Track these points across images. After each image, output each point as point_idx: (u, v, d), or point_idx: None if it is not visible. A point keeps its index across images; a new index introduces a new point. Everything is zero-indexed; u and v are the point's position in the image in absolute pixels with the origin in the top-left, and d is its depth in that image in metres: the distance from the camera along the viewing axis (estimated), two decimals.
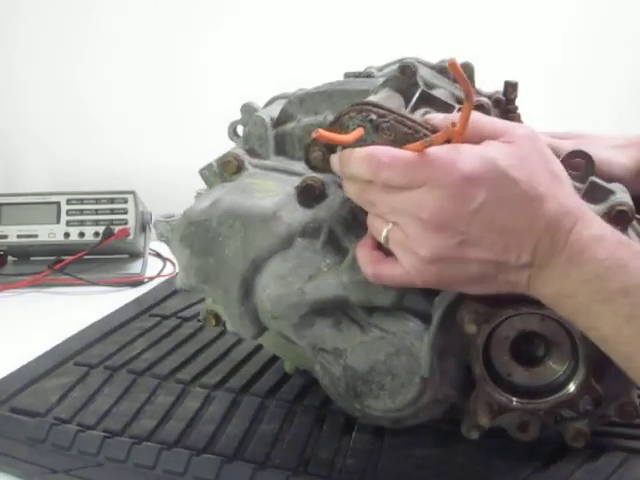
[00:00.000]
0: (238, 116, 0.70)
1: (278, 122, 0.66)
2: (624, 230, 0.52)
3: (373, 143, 0.50)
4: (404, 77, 0.62)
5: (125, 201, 1.14)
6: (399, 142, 0.50)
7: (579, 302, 0.47)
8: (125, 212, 1.13)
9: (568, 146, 0.56)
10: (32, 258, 1.19)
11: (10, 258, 1.19)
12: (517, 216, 0.47)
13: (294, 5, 1.28)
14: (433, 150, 0.47)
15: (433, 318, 0.54)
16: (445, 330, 0.54)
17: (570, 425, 0.58)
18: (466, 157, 0.47)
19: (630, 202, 0.53)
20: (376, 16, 1.20)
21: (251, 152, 0.66)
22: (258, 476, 0.58)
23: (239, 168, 0.63)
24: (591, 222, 0.48)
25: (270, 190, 0.60)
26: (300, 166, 0.61)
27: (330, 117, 0.62)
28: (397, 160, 0.48)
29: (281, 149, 0.66)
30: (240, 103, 0.70)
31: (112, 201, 1.14)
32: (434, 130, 0.50)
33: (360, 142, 0.50)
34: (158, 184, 1.27)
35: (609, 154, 0.62)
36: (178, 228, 0.61)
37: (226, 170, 0.63)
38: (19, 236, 1.13)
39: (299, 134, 0.65)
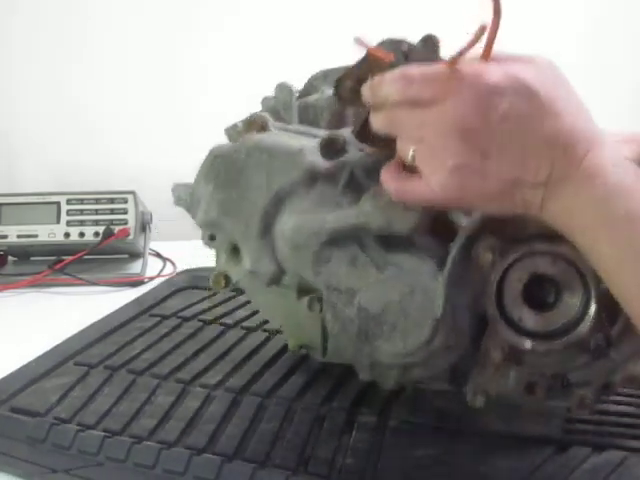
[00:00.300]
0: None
1: (302, 94, 0.69)
2: None
3: None
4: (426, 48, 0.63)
5: (125, 201, 1.14)
6: None
7: (585, 224, 0.48)
8: (125, 212, 1.13)
9: None
10: (32, 258, 1.19)
11: (10, 258, 1.19)
12: (536, 130, 0.49)
13: (296, 4, 1.29)
14: (460, 65, 0.50)
15: (450, 254, 0.55)
16: (460, 270, 0.55)
17: (576, 392, 0.58)
18: (491, 70, 0.50)
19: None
20: (381, 17, 1.20)
21: (276, 117, 0.67)
22: (258, 475, 0.58)
23: (263, 128, 0.64)
24: (605, 148, 0.49)
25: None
26: (323, 132, 0.63)
27: None
28: (426, 74, 0.51)
29: (304, 118, 0.67)
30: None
31: (112, 201, 1.14)
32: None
33: (390, 68, 0.53)
34: (158, 184, 1.26)
35: None
36: (203, 164, 0.63)
37: (250, 130, 0.63)
38: (19, 236, 1.13)
39: (322, 105, 0.66)
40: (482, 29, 0.49)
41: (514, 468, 0.58)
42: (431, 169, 0.51)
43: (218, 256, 0.67)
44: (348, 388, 0.70)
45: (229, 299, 0.95)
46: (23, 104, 1.37)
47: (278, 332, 0.83)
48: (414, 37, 0.57)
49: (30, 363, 0.78)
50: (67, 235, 1.13)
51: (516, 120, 0.49)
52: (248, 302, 0.93)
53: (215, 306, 0.92)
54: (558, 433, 0.63)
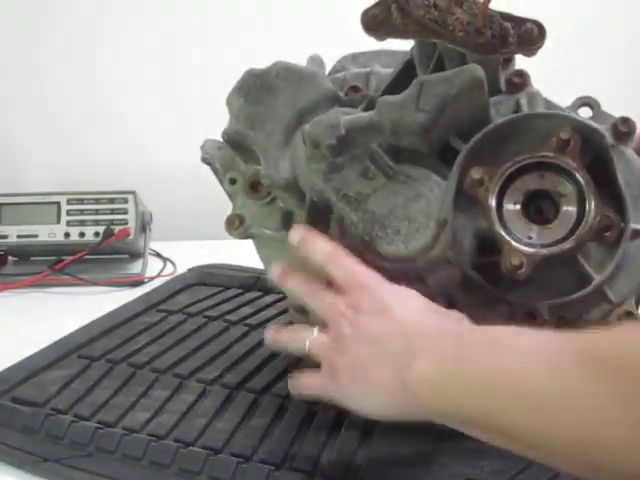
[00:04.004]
0: None
1: (331, 72, 0.75)
2: (626, 142, 0.59)
3: None
4: None
5: (125, 201, 1.14)
6: None
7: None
8: (125, 212, 1.14)
9: None
10: (32, 258, 1.19)
11: (10, 258, 1.20)
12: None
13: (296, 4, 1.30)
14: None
15: (453, 168, 0.59)
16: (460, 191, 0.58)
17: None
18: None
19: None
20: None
21: None
22: (240, 470, 0.59)
23: None
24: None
25: None
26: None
27: (377, 67, 0.72)
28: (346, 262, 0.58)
29: None
30: None
31: (112, 201, 1.14)
32: None
33: None
34: (158, 184, 1.28)
35: None
36: (238, 80, 0.68)
37: None
38: (19, 236, 1.14)
39: (348, 79, 0.72)
40: None
41: (498, 470, 0.58)
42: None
43: (235, 201, 0.72)
44: None
45: (235, 296, 0.96)
46: (24, 104, 1.38)
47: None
48: None
49: (34, 355, 0.79)
50: (67, 235, 1.13)
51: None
52: (253, 300, 0.94)
53: (221, 303, 0.93)
54: None
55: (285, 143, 0.65)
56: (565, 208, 0.57)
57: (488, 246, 0.58)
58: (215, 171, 0.73)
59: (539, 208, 0.58)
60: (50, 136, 1.39)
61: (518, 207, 0.58)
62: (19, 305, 1.04)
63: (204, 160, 0.73)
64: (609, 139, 0.59)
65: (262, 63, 0.69)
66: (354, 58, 0.75)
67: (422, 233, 0.60)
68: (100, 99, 1.36)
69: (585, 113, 0.65)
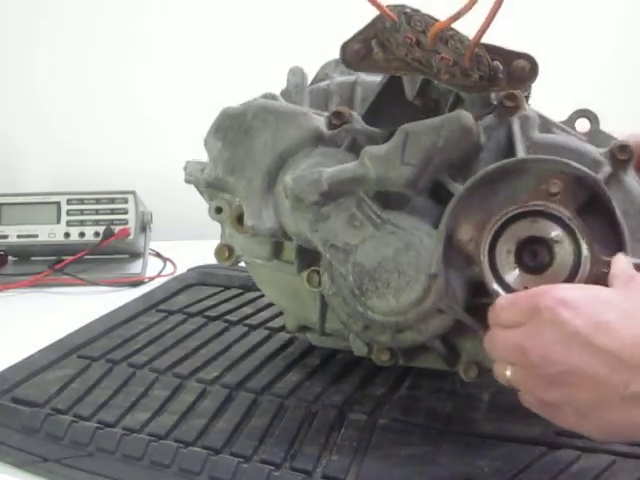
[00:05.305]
0: None
1: (314, 81, 0.72)
2: (625, 169, 0.57)
3: (405, 32, 0.56)
4: None
5: (125, 201, 1.14)
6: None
7: None
8: (125, 212, 1.14)
9: None
10: (32, 258, 1.19)
11: (10, 258, 1.20)
12: (618, 337, 0.47)
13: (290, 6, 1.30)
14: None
15: (444, 215, 0.57)
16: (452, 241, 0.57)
17: None
18: (562, 286, 0.52)
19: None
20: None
21: (288, 100, 0.70)
22: (241, 470, 0.59)
23: None
24: None
25: None
26: None
27: (363, 76, 0.70)
28: (512, 299, 0.53)
29: (315, 103, 0.70)
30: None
31: (112, 201, 1.14)
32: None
33: (393, 31, 0.56)
34: (158, 184, 1.28)
35: None
36: (214, 122, 0.65)
37: None
38: (19, 236, 1.13)
39: (333, 90, 0.70)
40: None
41: (498, 470, 0.58)
42: (523, 390, 0.53)
43: (223, 229, 0.70)
44: (342, 386, 0.71)
45: (235, 296, 0.96)
46: (24, 104, 1.38)
47: (280, 330, 0.84)
48: None
49: (34, 355, 0.79)
50: (67, 235, 1.13)
51: (593, 332, 0.47)
52: (253, 300, 0.94)
53: (221, 303, 0.93)
54: (548, 435, 0.62)
55: (267, 189, 0.62)
56: (560, 254, 0.56)
57: (480, 288, 0.57)
58: (201, 193, 0.71)
59: (534, 252, 0.57)
60: (50, 136, 1.39)
61: (512, 259, 0.56)
62: (19, 305, 1.04)
63: (187, 182, 0.71)
64: (607, 168, 0.58)
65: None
66: (337, 64, 0.72)
67: (412, 287, 0.58)
68: (100, 99, 1.37)
69: (583, 125, 0.64)
